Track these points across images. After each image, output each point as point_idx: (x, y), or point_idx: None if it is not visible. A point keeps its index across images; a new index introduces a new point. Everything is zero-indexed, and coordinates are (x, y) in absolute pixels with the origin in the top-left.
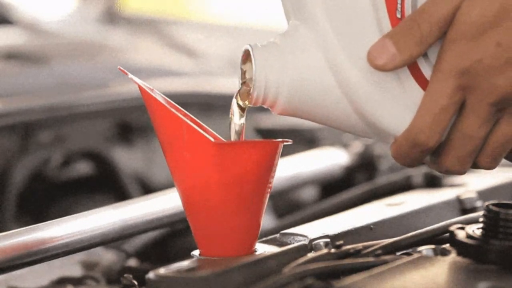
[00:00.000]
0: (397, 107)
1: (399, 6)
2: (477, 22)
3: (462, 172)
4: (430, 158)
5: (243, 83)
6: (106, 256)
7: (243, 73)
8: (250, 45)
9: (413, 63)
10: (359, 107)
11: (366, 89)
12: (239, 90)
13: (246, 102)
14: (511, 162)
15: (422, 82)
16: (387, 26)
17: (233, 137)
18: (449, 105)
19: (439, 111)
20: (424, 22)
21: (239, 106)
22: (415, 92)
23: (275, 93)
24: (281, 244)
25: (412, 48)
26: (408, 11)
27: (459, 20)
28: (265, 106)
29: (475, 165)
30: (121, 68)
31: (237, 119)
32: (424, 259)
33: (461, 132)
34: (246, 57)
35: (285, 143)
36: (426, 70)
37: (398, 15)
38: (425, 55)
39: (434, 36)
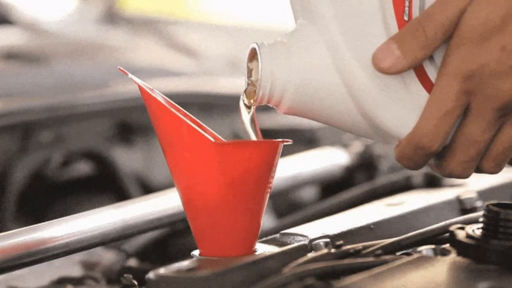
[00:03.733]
0: (402, 109)
1: (406, 8)
2: (482, 26)
3: (465, 176)
4: (433, 162)
5: (250, 82)
6: (106, 256)
7: (249, 71)
8: (257, 43)
9: (418, 65)
10: (364, 108)
11: (371, 91)
12: (245, 89)
13: (252, 101)
14: None
15: (428, 85)
16: (394, 28)
17: (250, 135)
18: (453, 109)
19: (443, 115)
20: (429, 26)
21: (245, 105)
22: (420, 95)
23: (280, 92)
24: (281, 244)
25: (417, 52)
26: (415, 13)
27: (464, 24)
28: (270, 105)
29: (479, 170)
30: (121, 68)
31: (245, 117)
32: (424, 259)
33: (465, 136)
34: (253, 55)
35: (285, 143)
36: (432, 73)
37: (406, 18)
38: (431, 57)
39: (439, 39)
